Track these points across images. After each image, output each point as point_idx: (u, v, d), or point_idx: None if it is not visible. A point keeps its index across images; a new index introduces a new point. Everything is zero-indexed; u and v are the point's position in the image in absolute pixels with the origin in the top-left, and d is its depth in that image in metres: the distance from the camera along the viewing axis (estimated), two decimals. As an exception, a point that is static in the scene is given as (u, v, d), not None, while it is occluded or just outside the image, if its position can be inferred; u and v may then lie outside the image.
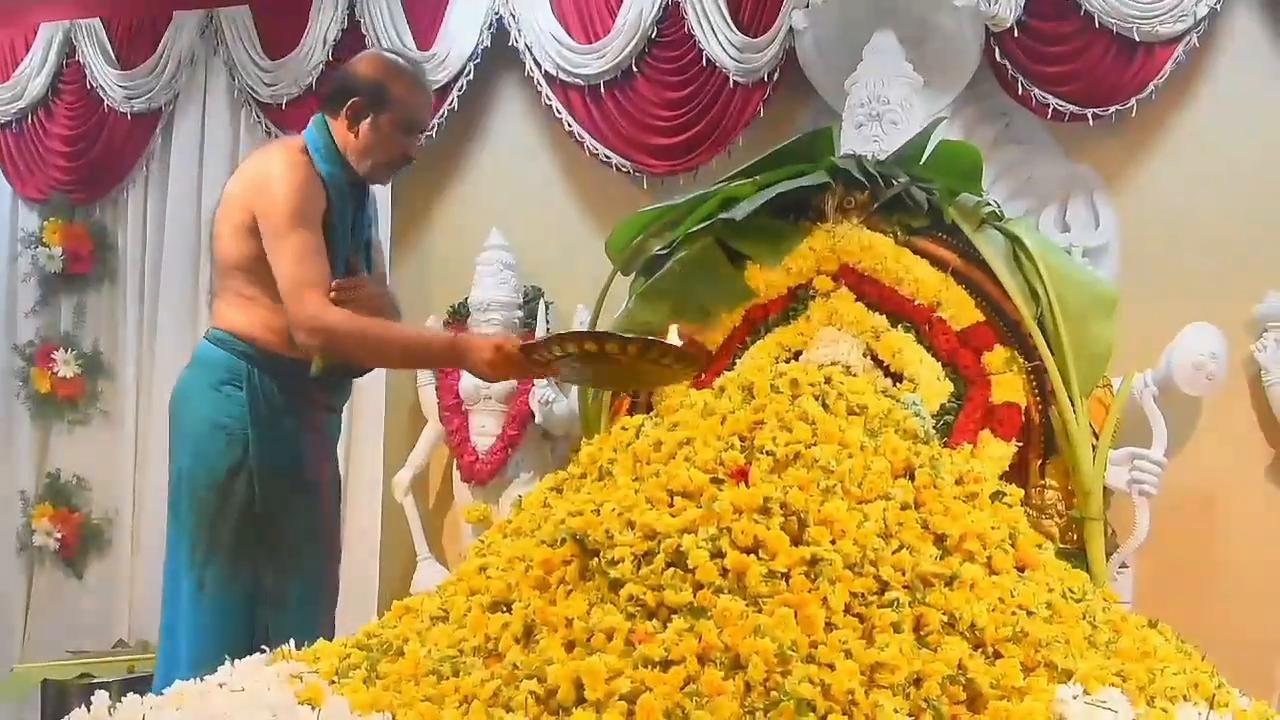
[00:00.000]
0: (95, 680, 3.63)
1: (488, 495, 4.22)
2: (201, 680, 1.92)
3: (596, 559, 1.82)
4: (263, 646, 2.13)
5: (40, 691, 3.78)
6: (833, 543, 1.75)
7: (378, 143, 2.67)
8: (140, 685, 3.56)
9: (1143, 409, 3.31)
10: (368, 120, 2.66)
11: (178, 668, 2.54)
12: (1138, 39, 3.59)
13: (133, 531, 4.81)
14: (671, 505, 1.86)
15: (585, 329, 2.79)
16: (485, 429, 4.21)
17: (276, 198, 2.59)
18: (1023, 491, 2.11)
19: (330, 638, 2.78)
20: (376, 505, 4.43)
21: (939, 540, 1.83)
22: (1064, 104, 3.68)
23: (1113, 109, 3.66)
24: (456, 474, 4.29)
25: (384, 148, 2.68)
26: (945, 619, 1.70)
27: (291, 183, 2.60)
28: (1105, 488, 3.05)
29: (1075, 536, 2.95)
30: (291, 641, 2.07)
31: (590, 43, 4.18)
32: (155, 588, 4.46)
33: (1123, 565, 3.21)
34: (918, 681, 1.60)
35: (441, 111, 4.38)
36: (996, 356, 2.97)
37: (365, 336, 2.59)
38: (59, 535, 4.84)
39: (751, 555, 1.73)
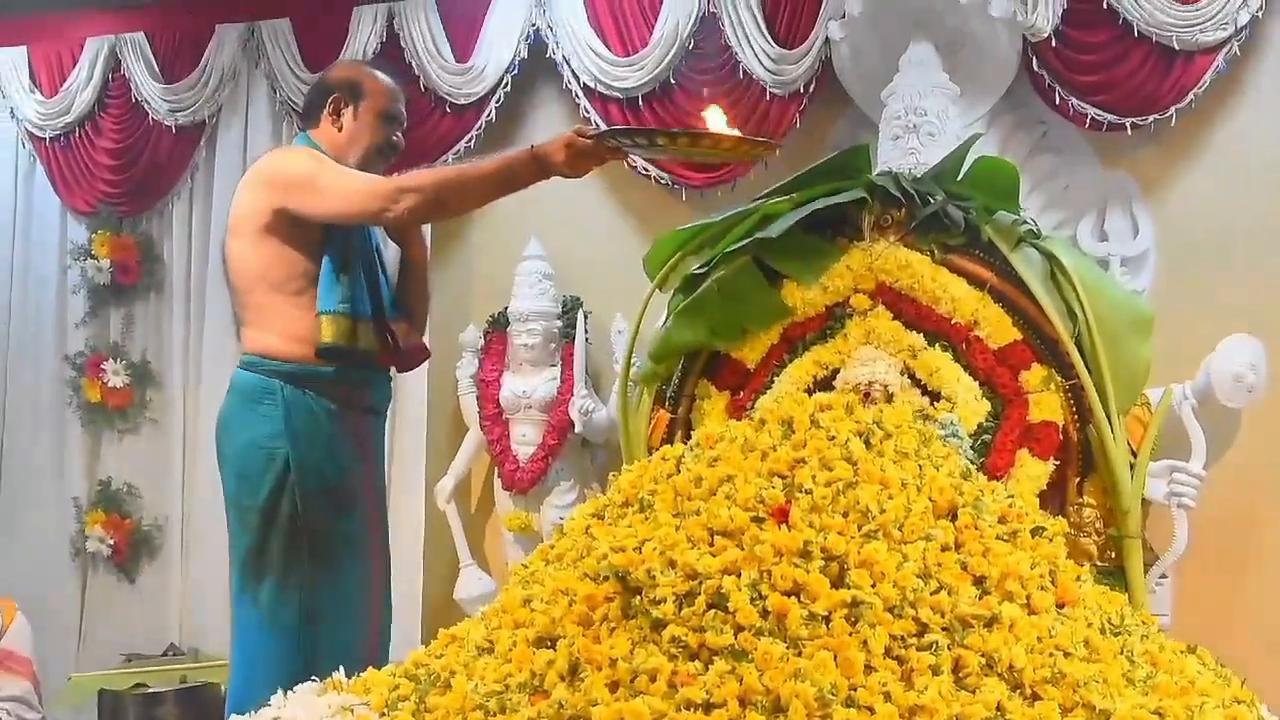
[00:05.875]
0: (149, 690, 3.72)
1: (528, 503, 4.27)
2: (256, 713, 1.99)
3: (639, 597, 1.86)
4: (313, 676, 2.20)
5: (97, 700, 3.87)
6: (873, 585, 1.77)
7: (361, 130, 2.88)
8: (192, 697, 3.70)
9: (1181, 421, 3.30)
10: (349, 110, 2.88)
11: (244, 686, 2.66)
12: (1177, 48, 3.55)
13: (182, 538, 4.90)
14: (712, 544, 1.89)
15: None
16: (526, 438, 4.25)
17: (298, 168, 2.77)
18: (1065, 523, 2.13)
19: (382, 646, 2.88)
20: (419, 513, 4.48)
21: (978, 581, 1.86)
22: (1102, 113, 3.65)
23: (1152, 118, 3.62)
24: (497, 481, 4.34)
25: (368, 134, 2.88)
26: (984, 661, 1.73)
27: (304, 153, 2.82)
28: (1144, 499, 3.05)
29: (1114, 554, 2.96)
30: (341, 670, 2.13)
31: (628, 55, 4.19)
32: (205, 593, 4.64)
33: (1162, 576, 3.22)
34: (957, 723, 1.63)
35: (479, 123, 4.42)
36: (1034, 375, 2.98)
37: (447, 182, 2.75)
38: (111, 541, 4.93)
39: (792, 598, 1.76)
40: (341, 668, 2.14)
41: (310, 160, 2.79)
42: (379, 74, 2.98)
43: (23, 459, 5.15)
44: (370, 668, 2.18)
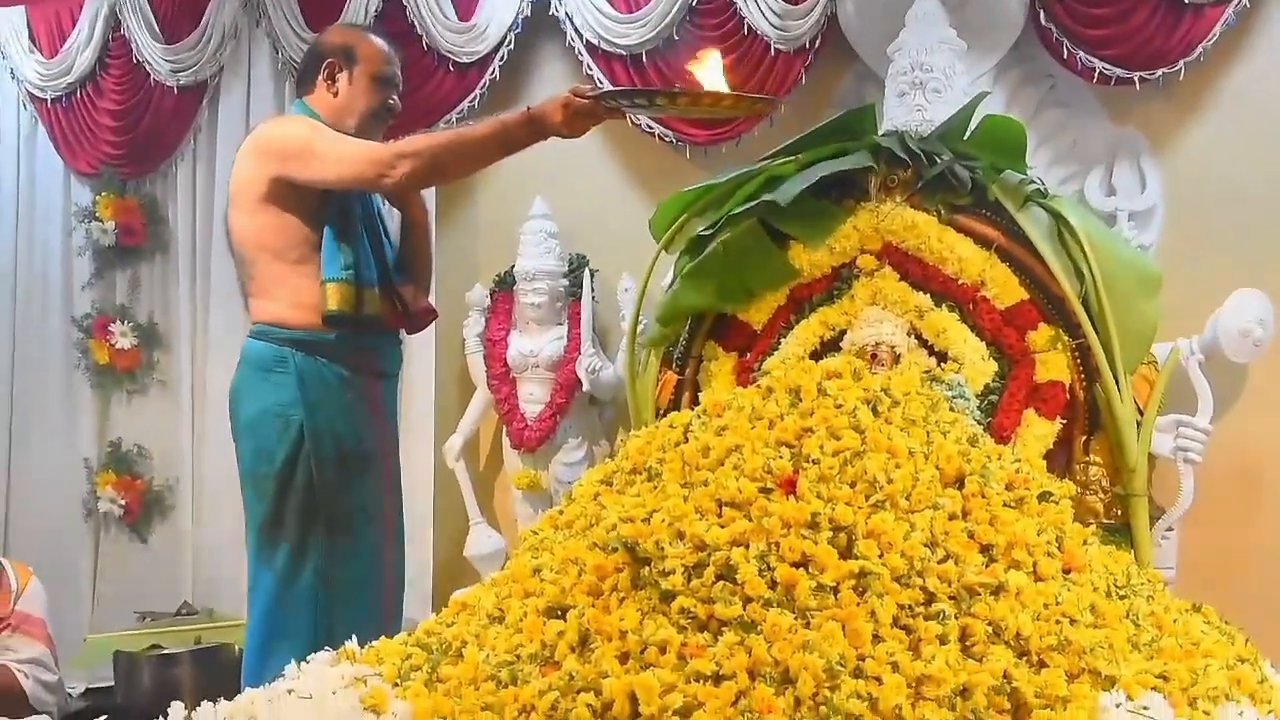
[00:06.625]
0: (165, 651, 3.76)
1: (537, 461, 4.28)
2: (269, 684, 2.01)
3: (648, 568, 1.88)
4: (329, 640, 2.22)
5: (112, 661, 3.90)
6: (881, 556, 1.79)
7: (357, 94, 2.89)
8: (207, 657, 3.74)
9: (1188, 376, 3.31)
10: (344, 75, 2.89)
11: (260, 649, 2.72)
12: (1186, 1, 3.51)
13: (193, 497, 4.93)
14: (720, 515, 1.91)
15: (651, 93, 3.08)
16: (533, 396, 4.26)
17: (293, 136, 2.78)
18: (1072, 486, 2.14)
19: (396, 606, 2.92)
20: (429, 471, 4.50)
21: (985, 549, 1.87)
22: (1110, 67, 3.60)
23: (1160, 72, 3.57)
24: (506, 440, 4.36)
25: (364, 98, 2.90)
26: (990, 629, 1.75)
27: (299, 121, 2.84)
28: (1151, 454, 3.06)
29: (1120, 512, 2.97)
30: (355, 638, 2.15)
31: (631, 12, 4.14)
32: (216, 552, 4.69)
33: (1168, 530, 3.23)
34: (964, 693, 1.65)
35: (483, 82, 4.38)
36: (1041, 335, 2.97)
37: (444, 147, 2.75)
38: (123, 502, 4.96)
39: (800, 569, 1.78)
40: (355, 634, 2.16)
41: (306, 128, 2.79)
42: (373, 37, 2.99)
43: (33, 421, 5.18)
44: (384, 632, 2.21)
